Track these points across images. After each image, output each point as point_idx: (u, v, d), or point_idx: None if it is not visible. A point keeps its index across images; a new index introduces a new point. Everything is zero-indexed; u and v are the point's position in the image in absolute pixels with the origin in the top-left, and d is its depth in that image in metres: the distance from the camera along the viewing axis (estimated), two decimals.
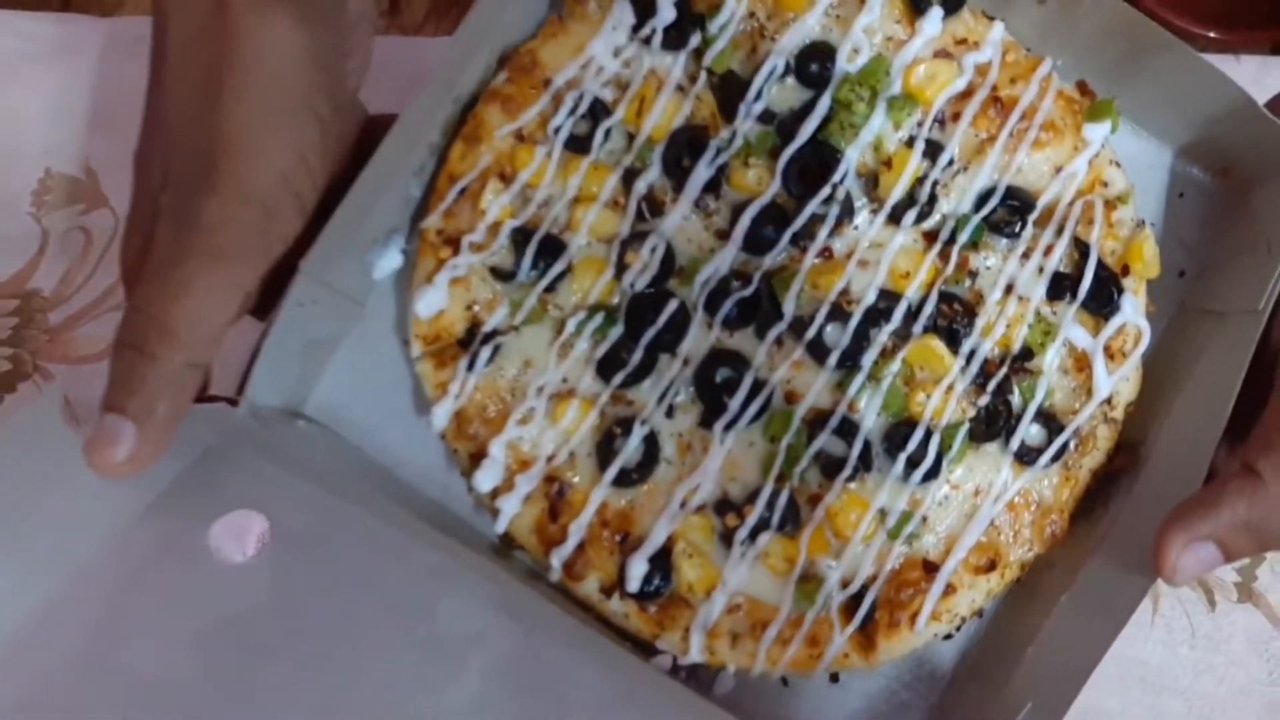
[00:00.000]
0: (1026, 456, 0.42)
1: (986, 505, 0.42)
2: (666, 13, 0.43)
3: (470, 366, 0.42)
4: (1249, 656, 0.69)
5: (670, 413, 0.42)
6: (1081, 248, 0.42)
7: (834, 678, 0.42)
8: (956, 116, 0.43)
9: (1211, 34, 1.51)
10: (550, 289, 0.42)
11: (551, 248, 0.42)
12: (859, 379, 0.41)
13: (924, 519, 0.41)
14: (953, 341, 0.42)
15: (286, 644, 0.36)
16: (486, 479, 0.42)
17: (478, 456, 0.42)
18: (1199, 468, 0.39)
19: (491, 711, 0.36)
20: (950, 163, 0.43)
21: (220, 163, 0.35)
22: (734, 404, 0.41)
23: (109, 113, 0.82)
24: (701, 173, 0.43)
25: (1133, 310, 0.42)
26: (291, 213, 0.36)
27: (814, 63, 0.43)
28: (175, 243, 0.35)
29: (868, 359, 0.42)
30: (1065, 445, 0.42)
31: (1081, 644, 0.38)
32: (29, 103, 0.86)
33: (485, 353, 0.42)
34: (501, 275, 0.43)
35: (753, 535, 0.41)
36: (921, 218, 0.43)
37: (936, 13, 0.43)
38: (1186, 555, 0.38)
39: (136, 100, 0.84)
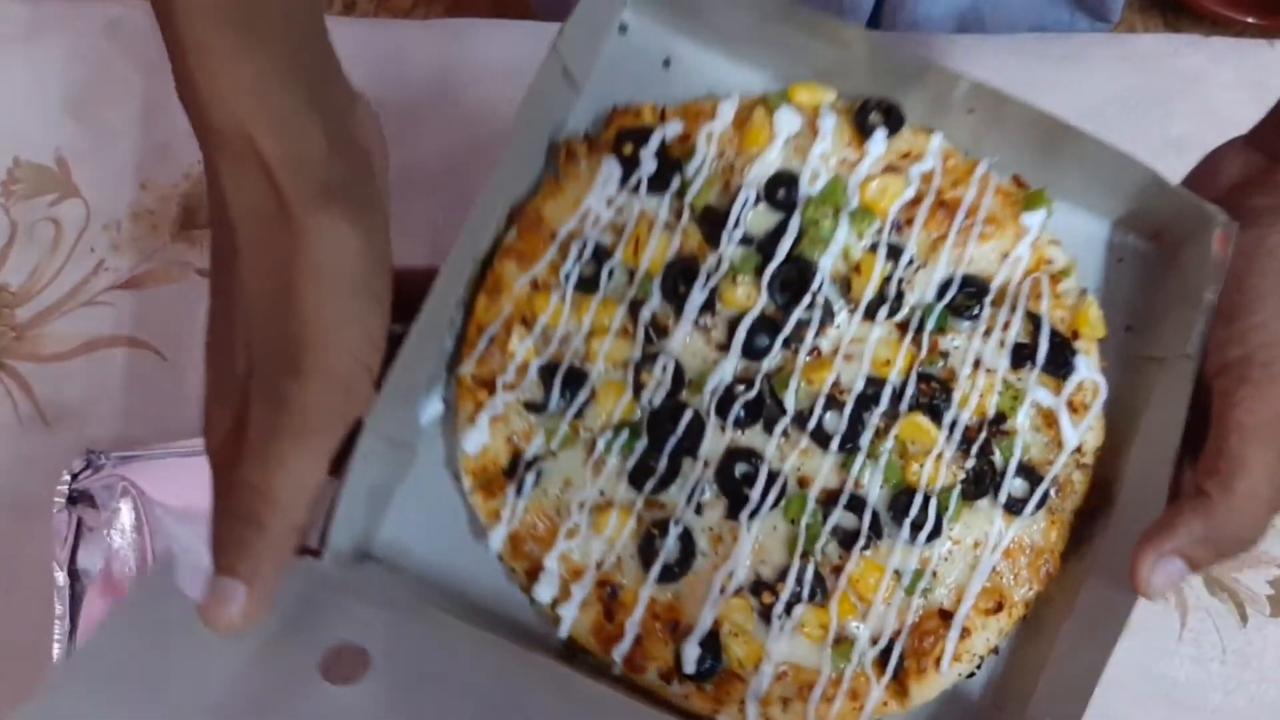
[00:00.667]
0: (1014, 507, 0.47)
1: (986, 555, 0.46)
2: (648, 164, 0.49)
3: (518, 492, 0.47)
4: None
5: (699, 510, 0.47)
6: (1035, 320, 0.47)
7: None
8: (910, 221, 0.49)
9: (1249, 19, 1.49)
10: (579, 415, 0.47)
11: (575, 378, 0.47)
12: (860, 458, 0.47)
13: (934, 574, 0.46)
14: (935, 415, 0.47)
15: None
16: (545, 590, 0.46)
17: (534, 572, 0.46)
18: (1160, 495, 0.44)
19: None
20: (910, 261, 0.48)
21: (303, 351, 0.40)
22: (754, 495, 0.46)
23: (81, 99, 0.80)
24: (696, 296, 0.48)
25: (1086, 368, 0.47)
26: (365, 385, 0.41)
27: (780, 189, 0.49)
28: (269, 423, 0.39)
29: (865, 440, 0.47)
30: (1046, 493, 0.46)
31: (1084, 662, 0.43)
32: None
33: (529, 478, 0.47)
34: (534, 408, 0.47)
35: (788, 609, 0.45)
36: (892, 312, 0.48)
37: (880, 133, 0.49)
38: (1157, 572, 0.42)
39: (110, 86, 0.80)
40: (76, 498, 0.69)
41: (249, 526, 0.40)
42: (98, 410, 0.75)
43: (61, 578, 0.68)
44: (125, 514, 0.69)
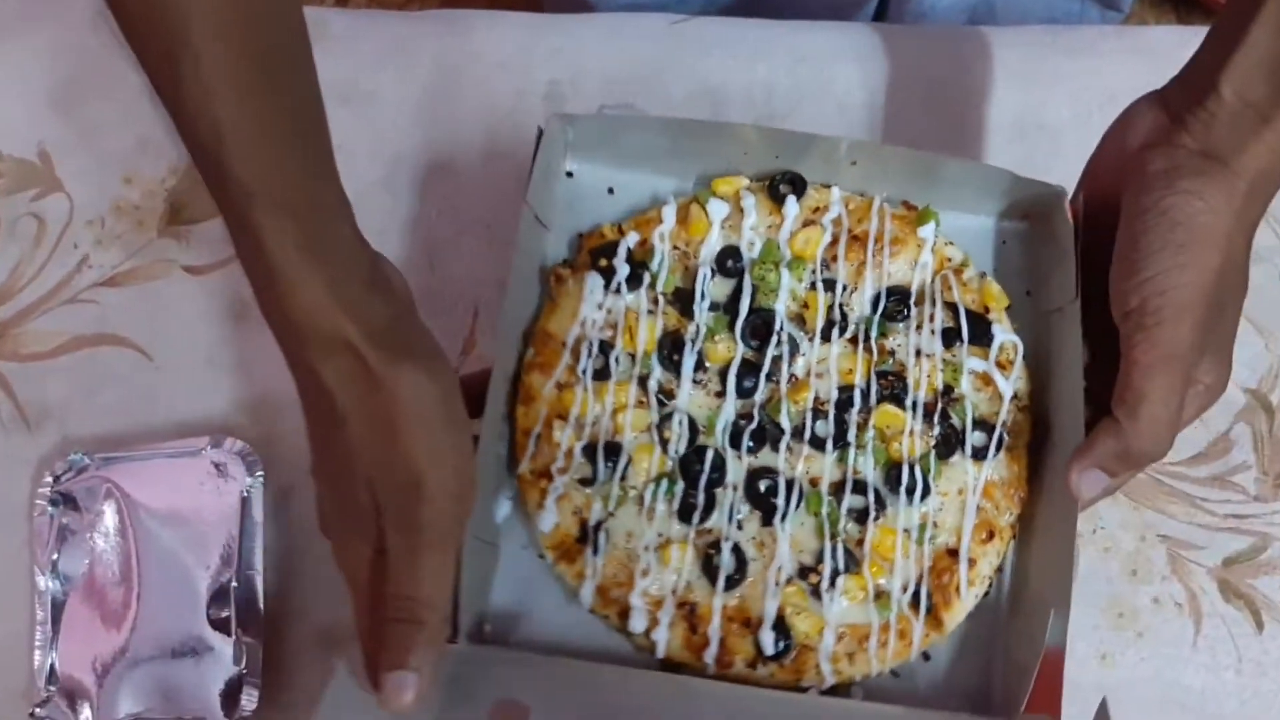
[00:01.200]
0: (979, 454, 0.58)
1: (970, 497, 0.57)
2: (621, 269, 0.60)
3: (595, 552, 0.57)
4: None
5: (740, 526, 0.57)
6: (952, 307, 0.59)
7: (925, 656, 0.57)
8: (834, 258, 0.61)
9: None
10: (623, 478, 0.58)
11: (612, 450, 0.58)
12: (851, 451, 0.58)
13: (934, 524, 0.57)
14: (899, 402, 0.58)
15: None
16: (638, 623, 0.56)
17: (624, 612, 0.56)
18: (1077, 419, 0.55)
19: None
20: (844, 288, 0.60)
21: (421, 481, 0.49)
22: (780, 502, 0.57)
23: (65, 92, 0.77)
24: (688, 360, 0.59)
25: (1002, 333, 0.59)
26: (470, 493, 0.51)
27: (728, 260, 0.61)
28: (409, 543, 0.49)
29: (851, 435, 0.58)
30: (1001, 437, 0.58)
31: (1060, 554, 0.54)
32: None
33: (600, 539, 0.57)
34: (587, 482, 0.58)
35: (831, 582, 0.56)
36: (842, 331, 0.60)
37: (791, 199, 0.62)
38: (1084, 482, 0.53)
39: (94, 78, 0.77)
40: (59, 500, 0.68)
41: (410, 627, 0.49)
42: (80, 410, 0.72)
43: (43, 582, 0.66)
44: (109, 516, 0.67)
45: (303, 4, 0.53)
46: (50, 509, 0.67)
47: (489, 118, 0.78)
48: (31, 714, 0.64)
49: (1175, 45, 0.78)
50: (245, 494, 0.67)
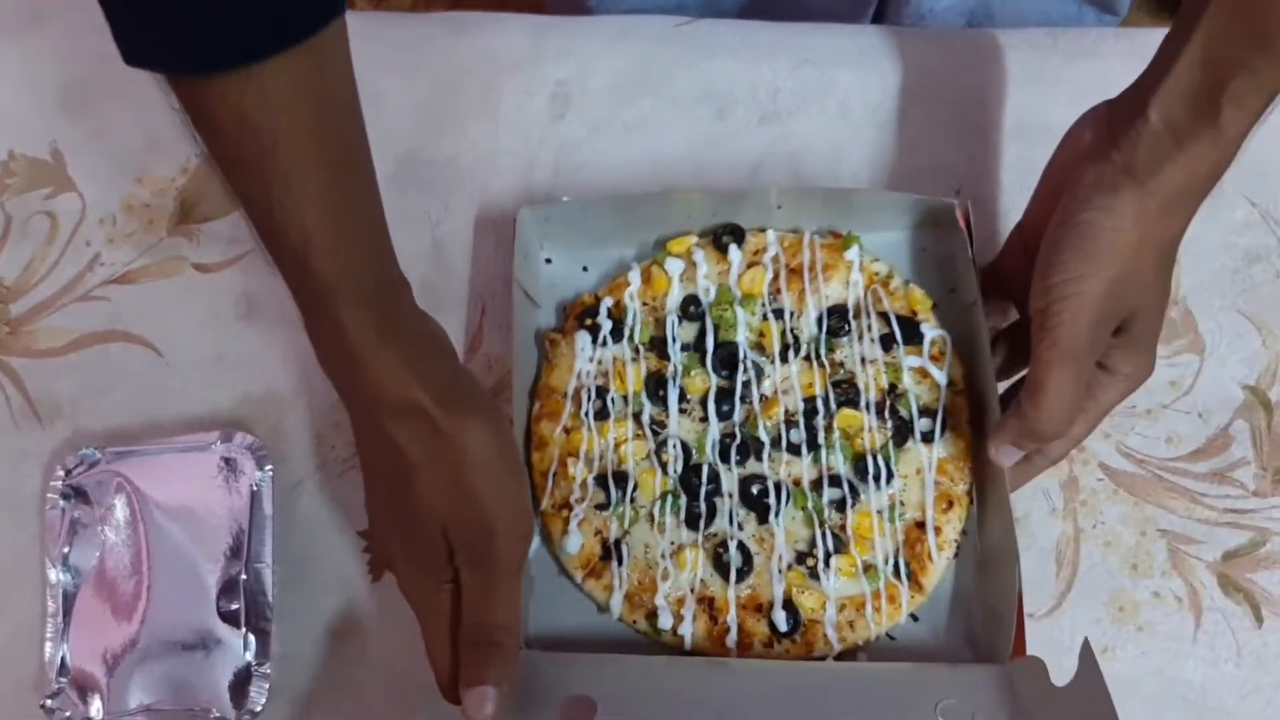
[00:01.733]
0: (928, 438, 0.67)
1: (927, 475, 0.66)
2: (604, 326, 0.69)
3: (619, 564, 0.65)
4: None
5: (741, 526, 0.65)
6: (884, 316, 0.69)
7: (914, 618, 0.65)
8: (778, 290, 0.70)
9: None
10: (632, 500, 0.66)
11: (620, 478, 0.66)
12: (823, 451, 0.67)
13: (901, 502, 0.65)
14: (854, 404, 0.67)
15: None
16: (665, 621, 0.63)
17: (651, 614, 0.64)
18: (994, 397, 0.64)
19: None
20: (791, 315, 0.70)
21: (493, 525, 0.56)
22: (771, 502, 0.66)
23: (77, 92, 0.77)
24: (672, 394, 0.68)
25: (930, 330, 0.68)
26: (530, 530, 0.60)
27: (691, 306, 0.70)
28: (484, 578, 0.56)
29: (820, 439, 0.67)
30: (944, 420, 0.67)
31: (1001, 507, 0.63)
32: None
33: (623, 552, 0.65)
34: (602, 507, 0.66)
35: (825, 563, 0.64)
36: (796, 352, 0.69)
37: (734, 248, 0.71)
38: (999, 454, 0.61)
39: (106, 79, 0.78)
40: (70, 494, 0.69)
41: (490, 648, 0.56)
42: (92, 405, 0.73)
43: (54, 574, 0.67)
44: (119, 510, 0.68)
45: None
46: (62, 502, 0.68)
47: (497, 118, 0.80)
48: (43, 705, 0.65)
49: None
50: (255, 488, 0.68)
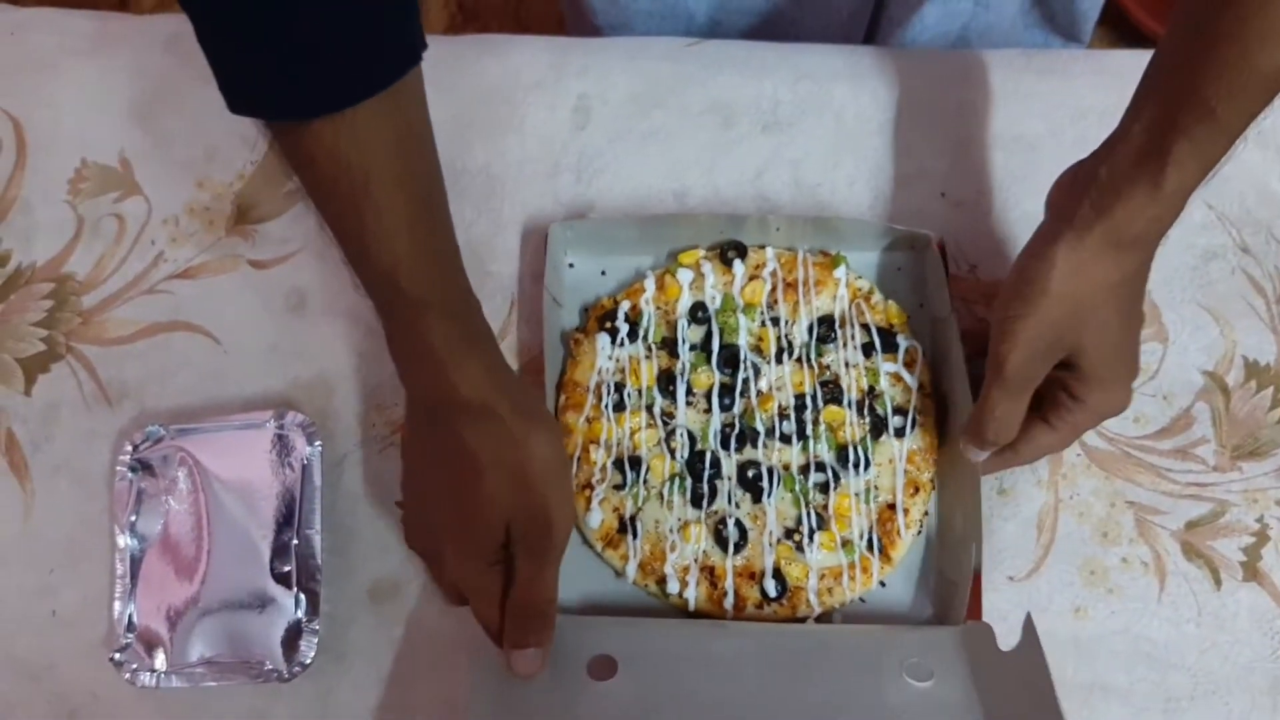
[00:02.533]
0: (900, 433, 0.76)
1: (898, 464, 0.76)
2: (622, 328, 0.79)
3: (634, 537, 0.75)
4: (1253, 634, 0.72)
5: (738, 505, 0.75)
6: (866, 327, 0.78)
7: (882, 584, 0.75)
8: (776, 301, 0.80)
9: None
10: (645, 481, 0.76)
11: (635, 462, 0.76)
12: (811, 442, 0.77)
13: (876, 487, 0.75)
14: (839, 402, 0.77)
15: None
16: (673, 586, 0.74)
17: (661, 580, 0.74)
18: (965, 399, 0.73)
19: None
20: (786, 322, 0.79)
21: (552, 521, 0.65)
22: (765, 485, 0.76)
23: (144, 106, 0.81)
24: (680, 389, 0.78)
25: (905, 341, 0.78)
26: (573, 522, 0.70)
27: (699, 312, 0.80)
28: (538, 564, 0.66)
29: (809, 430, 0.77)
30: (914, 418, 0.76)
31: (967, 498, 0.72)
32: (67, 96, 0.87)
33: (637, 527, 0.75)
34: (619, 488, 0.76)
35: (809, 539, 0.74)
36: (790, 355, 0.78)
37: (738, 262, 0.80)
38: (967, 452, 0.70)
39: (169, 94, 0.85)
40: (137, 467, 0.75)
41: (537, 617, 0.66)
42: (156, 389, 0.79)
43: (123, 540, 0.73)
44: (182, 481, 0.74)
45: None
46: (130, 475, 0.74)
47: (524, 130, 0.86)
48: (112, 659, 0.72)
49: (1138, 68, 0.83)
50: (305, 462, 0.74)
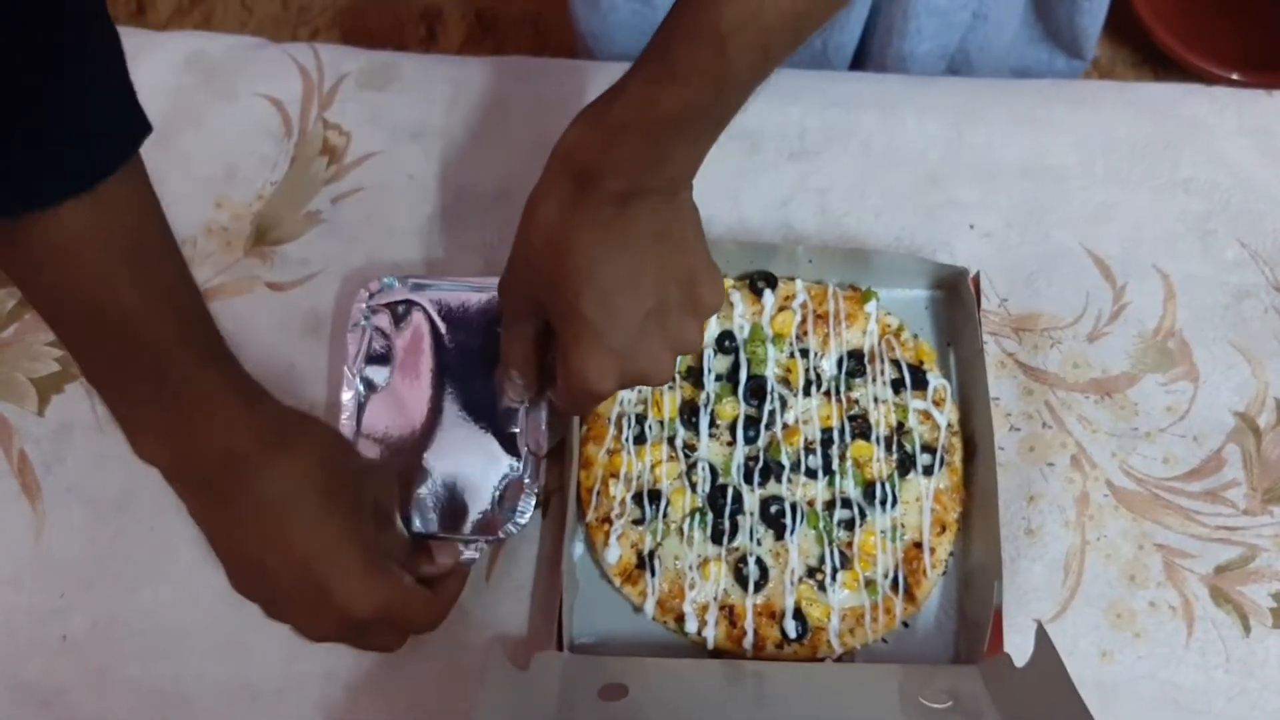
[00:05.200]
0: (928, 471, 0.76)
1: (925, 502, 0.75)
2: None
3: (652, 574, 0.74)
4: None
5: (760, 543, 0.74)
6: (896, 363, 0.78)
7: (905, 624, 0.74)
8: (805, 333, 0.79)
9: (1234, 76, 1.42)
10: (665, 515, 0.75)
11: (655, 495, 0.75)
12: (837, 477, 0.76)
13: (902, 525, 0.75)
14: (866, 437, 0.76)
15: None
16: (691, 625, 0.72)
17: (680, 617, 0.73)
18: (991, 443, 0.73)
19: None
20: (815, 355, 0.79)
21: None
22: (787, 522, 0.75)
23: (162, 124, 0.73)
24: (703, 420, 0.77)
25: (934, 379, 0.77)
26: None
27: (726, 341, 0.79)
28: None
29: (835, 465, 0.76)
30: (942, 457, 0.76)
31: (990, 536, 0.71)
32: None
33: (655, 564, 0.74)
34: (638, 522, 0.75)
35: (832, 578, 0.73)
36: (818, 388, 0.78)
37: (767, 292, 0.80)
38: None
39: (188, 113, 0.85)
40: (370, 314, 0.77)
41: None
42: None
43: (350, 387, 0.76)
44: (413, 331, 0.77)
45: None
46: (363, 321, 0.77)
47: (545, 153, 0.86)
48: None
49: (1170, 99, 0.88)
50: None
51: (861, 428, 0.77)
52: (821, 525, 0.75)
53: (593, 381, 0.61)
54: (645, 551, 0.74)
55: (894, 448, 0.76)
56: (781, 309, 0.80)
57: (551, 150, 0.60)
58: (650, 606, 0.73)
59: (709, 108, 0.58)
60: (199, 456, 0.59)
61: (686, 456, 0.77)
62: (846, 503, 0.75)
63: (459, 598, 0.72)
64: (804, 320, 0.79)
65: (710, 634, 0.73)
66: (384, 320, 0.77)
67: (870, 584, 0.74)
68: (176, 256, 0.62)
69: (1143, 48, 1.76)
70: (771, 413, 0.77)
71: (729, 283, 0.81)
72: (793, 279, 0.81)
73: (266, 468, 0.60)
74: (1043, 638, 0.64)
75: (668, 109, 0.56)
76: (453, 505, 0.74)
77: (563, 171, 0.60)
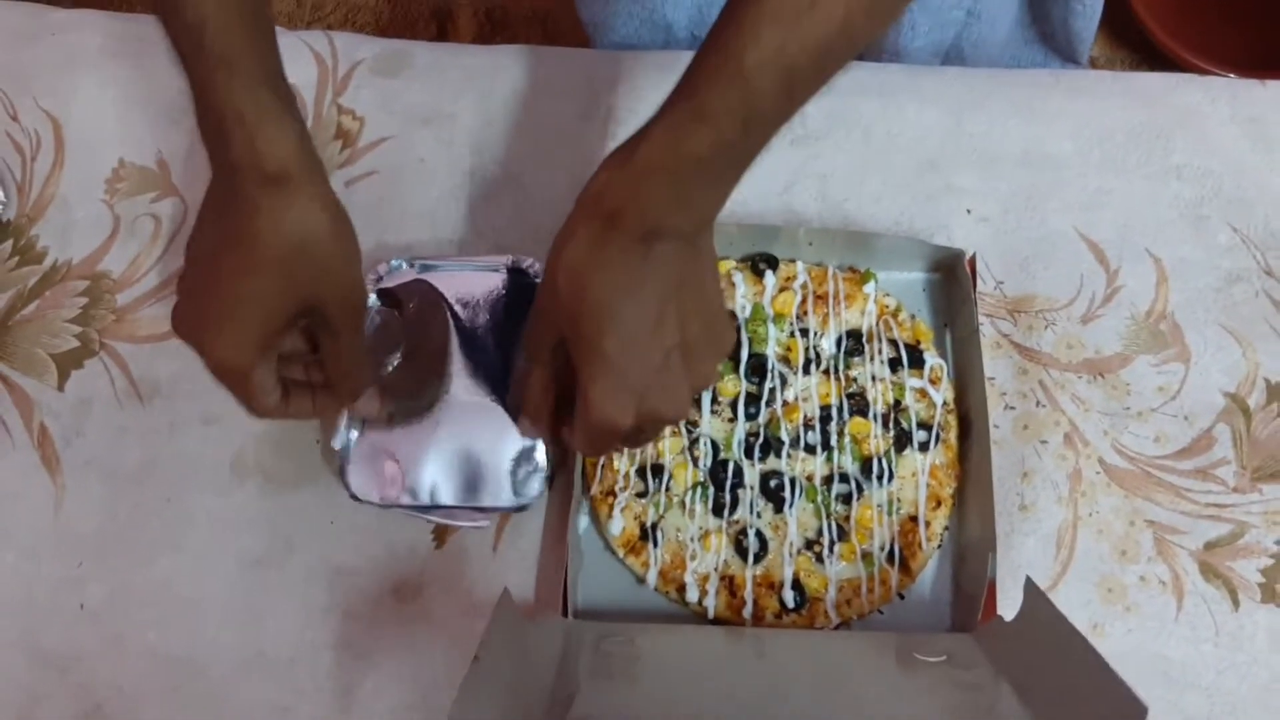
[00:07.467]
0: (924, 448, 0.77)
1: (921, 478, 0.77)
2: None
3: (655, 545, 0.76)
4: (1271, 655, 0.72)
5: (759, 515, 0.76)
6: (893, 343, 0.80)
7: (900, 596, 0.75)
8: (805, 313, 0.81)
9: (1230, 74, 1.38)
10: (668, 489, 0.77)
11: (657, 470, 0.77)
12: (835, 453, 0.77)
13: (899, 499, 0.76)
14: (864, 414, 0.78)
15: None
16: (693, 594, 0.74)
17: (681, 588, 0.75)
18: (985, 421, 0.75)
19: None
20: (815, 334, 0.80)
21: (356, 291, 0.65)
22: (787, 495, 0.77)
23: (182, 107, 0.78)
24: (706, 397, 0.79)
25: (931, 358, 0.79)
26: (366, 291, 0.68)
27: None
28: (351, 336, 0.65)
29: (833, 442, 0.78)
30: (937, 434, 0.77)
31: (983, 511, 0.73)
32: (106, 96, 0.88)
33: (658, 536, 0.76)
34: (641, 495, 0.77)
35: (830, 550, 0.75)
36: (817, 366, 0.79)
37: (768, 274, 0.82)
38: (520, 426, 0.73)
39: None
40: (381, 298, 0.79)
41: (356, 374, 0.68)
42: (187, 387, 0.80)
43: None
44: (420, 308, 0.78)
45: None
46: (373, 303, 0.78)
47: (554, 139, 0.87)
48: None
49: (1165, 89, 0.89)
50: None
51: (859, 405, 0.79)
52: (820, 499, 0.77)
53: (611, 418, 0.61)
54: (648, 524, 0.76)
55: (891, 425, 0.78)
56: (782, 289, 0.82)
57: (577, 196, 0.60)
58: (653, 577, 0.75)
59: (735, 147, 0.58)
60: (217, 168, 0.62)
61: (689, 432, 0.79)
62: (844, 477, 0.77)
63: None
64: (804, 300, 0.81)
65: (711, 604, 0.75)
66: (393, 300, 0.79)
67: (867, 556, 0.76)
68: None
69: (1140, 47, 1.77)
70: (772, 390, 0.79)
71: (731, 264, 0.83)
72: (794, 261, 0.83)
73: (246, 204, 0.60)
74: (1032, 589, 0.65)
75: (695, 149, 0.57)
76: (465, 477, 0.75)
77: (590, 214, 0.59)
